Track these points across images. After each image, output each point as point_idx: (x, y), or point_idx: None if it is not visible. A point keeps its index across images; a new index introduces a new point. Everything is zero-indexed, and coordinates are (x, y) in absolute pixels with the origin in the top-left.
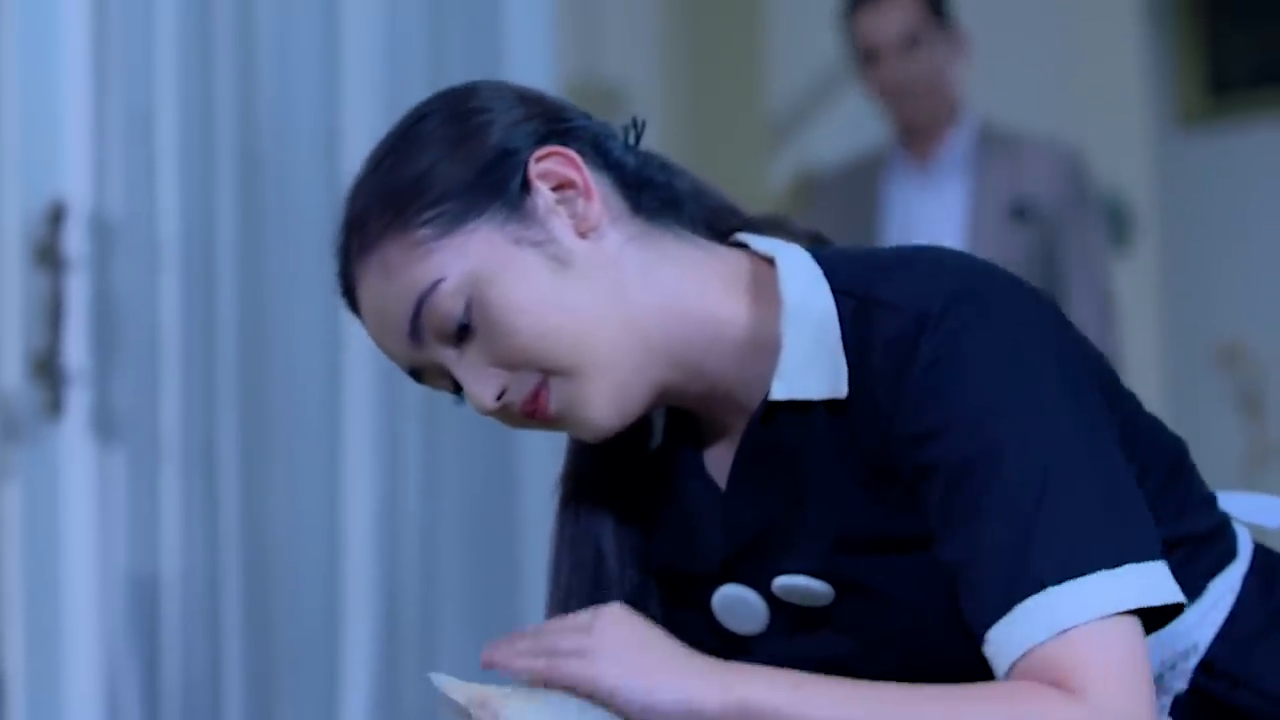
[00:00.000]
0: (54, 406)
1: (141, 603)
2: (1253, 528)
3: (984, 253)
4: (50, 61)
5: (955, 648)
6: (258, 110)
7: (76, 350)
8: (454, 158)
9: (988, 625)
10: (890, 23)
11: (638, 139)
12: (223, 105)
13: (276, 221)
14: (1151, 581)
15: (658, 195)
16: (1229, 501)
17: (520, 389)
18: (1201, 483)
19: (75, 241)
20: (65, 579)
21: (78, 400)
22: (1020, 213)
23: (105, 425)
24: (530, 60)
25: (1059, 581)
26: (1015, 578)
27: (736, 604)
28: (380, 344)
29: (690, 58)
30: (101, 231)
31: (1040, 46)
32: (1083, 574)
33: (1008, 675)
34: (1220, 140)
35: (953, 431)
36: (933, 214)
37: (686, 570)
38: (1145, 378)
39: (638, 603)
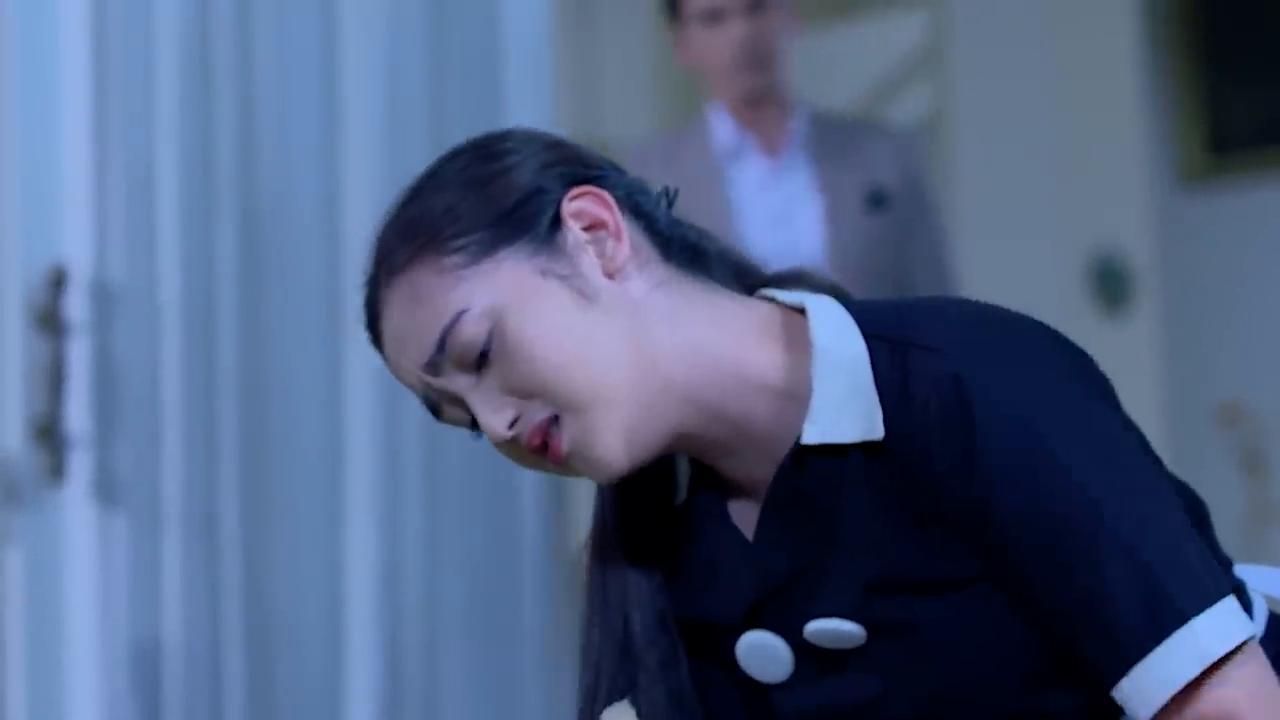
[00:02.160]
0: (55, 471)
1: (143, 667)
2: (1267, 599)
3: (843, 242)
4: (50, 126)
5: (985, 684)
6: (258, 174)
7: (78, 415)
8: (481, 195)
9: (1130, 664)
10: None
11: (670, 204)
12: (223, 169)
13: (277, 285)
14: (1241, 610)
15: (687, 247)
16: (1242, 573)
17: (532, 419)
18: (1218, 545)
19: (76, 306)
20: (67, 644)
21: (79, 465)
22: (878, 201)
23: (107, 490)
24: (529, 121)
25: (1196, 614)
26: (1154, 616)
27: (761, 651)
28: (398, 372)
29: (688, 117)
30: (102, 296)
31: (1039, 104)
32: (1211, 605)
33: (1161, 712)
34: (1220, 199)
35: (1040, 485)
36: (787, 201)
37: (710, 620)
38: (1146, 436)
39: (668, 668)
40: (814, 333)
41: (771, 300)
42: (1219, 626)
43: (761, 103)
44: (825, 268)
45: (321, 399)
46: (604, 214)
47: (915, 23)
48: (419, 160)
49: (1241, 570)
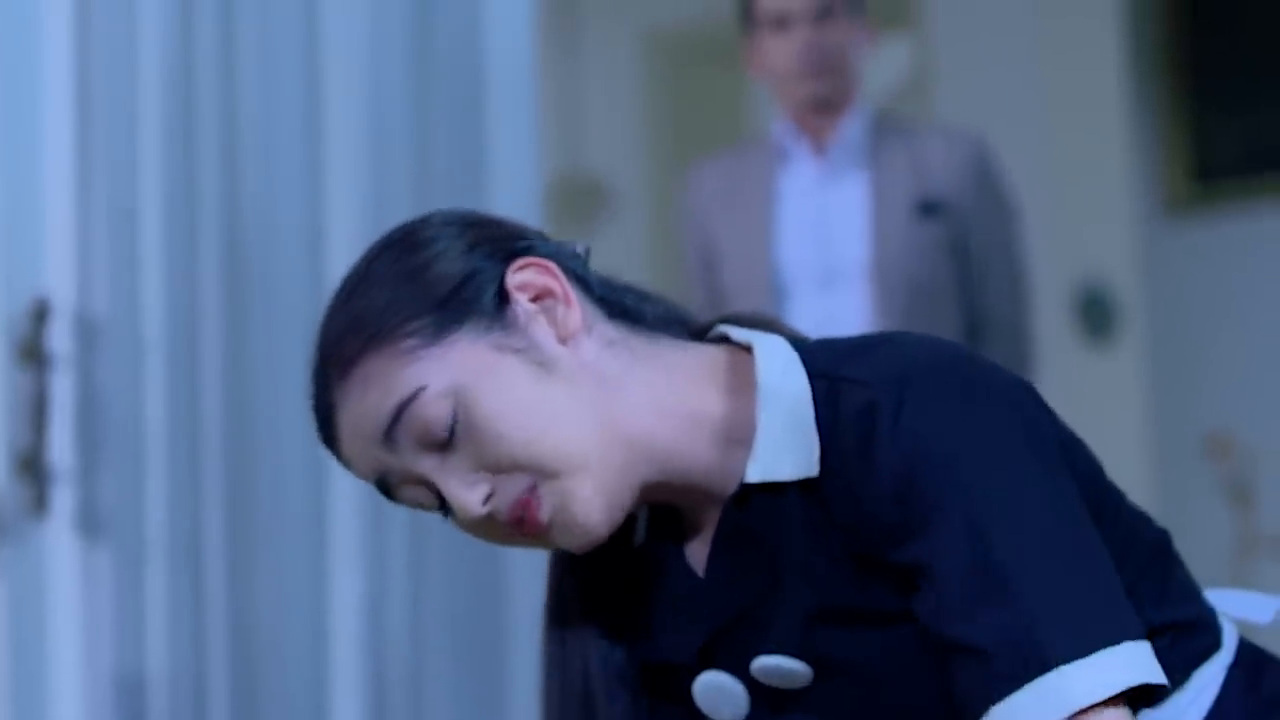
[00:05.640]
0: (39, 504)
1: (128, 702)
2: (1242, 624)
3: (889, 246)
4: (33, 158)
5: None
6: (242, 207)
7: (61, 448)
8: (416, 285)
9: (993, 702)
10: None
11: (585, 262)
12: (207, 202)
13: (261, 318)
14: (1143, 659)
15: (625, 303)
16: (1218, 598)
17: (508, 493)
18: (1186, 573)
19: (59, 339)
20: (51, 677)
21: (62, 498)
22: (928, 208)
23: (90, 523)
24: (514, 156)
25: (1067, 660)
26: (1023, 658)
27: (716, 691)
28: (351, 460)
29: (673, 150)
30: (86, 329)
31: (1024, 132)
32: (1088, 653)
33: None
34: (1206, 228)
35: (939, 514)
36: (833, 205)
37: (668, 661)
38: (1133, 468)
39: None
40: (759, 372)
41: (723, 338)
42: (1095, 675)
43: (825, 109)
44: (867, 274)
45: (305, 430)
46: (551, 282)
47: (900, 50)
48: (403, 192)
49: (1218, 596)
